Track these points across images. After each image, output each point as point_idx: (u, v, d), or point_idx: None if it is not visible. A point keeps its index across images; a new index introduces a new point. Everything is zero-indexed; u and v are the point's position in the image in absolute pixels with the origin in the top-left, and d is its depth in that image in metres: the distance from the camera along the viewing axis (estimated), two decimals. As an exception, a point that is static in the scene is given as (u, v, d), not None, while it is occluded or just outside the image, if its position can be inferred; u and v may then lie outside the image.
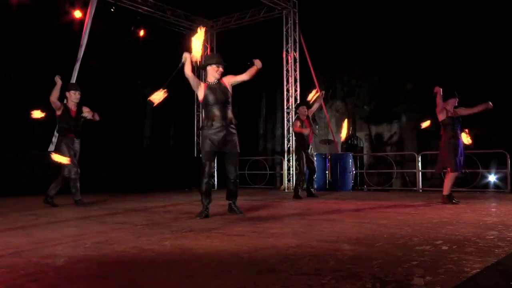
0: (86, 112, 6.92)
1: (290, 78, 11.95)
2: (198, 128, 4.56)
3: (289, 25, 12.01)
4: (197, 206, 7.02)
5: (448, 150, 6.52)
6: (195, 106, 13.89)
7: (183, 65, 5.12)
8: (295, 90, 11.96)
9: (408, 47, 12.28)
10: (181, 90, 13.35)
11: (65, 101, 6.98)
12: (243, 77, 5.27)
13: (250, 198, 8.44)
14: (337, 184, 11.33)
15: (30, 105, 9.72)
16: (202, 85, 5.18)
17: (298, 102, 9.50)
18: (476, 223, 4.36)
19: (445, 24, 11.51)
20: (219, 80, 5.22)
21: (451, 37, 11.53)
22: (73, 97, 6.94)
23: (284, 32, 12.05)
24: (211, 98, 5.10)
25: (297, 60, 11.99)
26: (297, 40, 12.03)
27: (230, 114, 5.17)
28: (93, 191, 10.01)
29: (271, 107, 14.05)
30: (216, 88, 5.15)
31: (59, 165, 6.84)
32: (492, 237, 3.44)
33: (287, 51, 12.03)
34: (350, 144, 13.46)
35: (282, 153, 12.75)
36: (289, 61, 11.98)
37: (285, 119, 12.01)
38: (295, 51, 12.00)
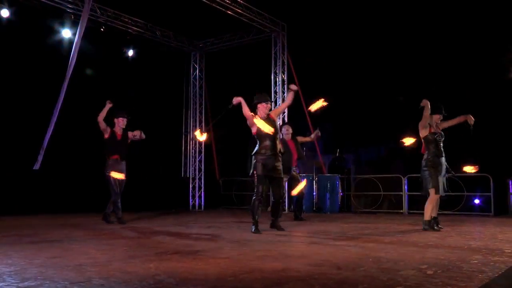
0: (138, 134, 7.61)
1: (278, 99, 12.04)
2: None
3: (277, 47, 12.17)
4: (184, 227, 6.96)
5: (430, 170, 6.11)
6: (183, 127, 13.90)
7: (232, 107, 6.08)
8: (283, 112, 12.03)
9: (396, 70, 12.47)
10: (169, 112, 13.39)
11: (113, 127, 7.51)
12: (284, 105, 6.46)
13: (238, 220, 8.39)
14: (324, 206, 11.34)
15: (19, 123, 9.72)
16: (255, 120, 5.90)
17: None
18: (461, 247, 4.38)
19: (431, 49, 11.73)
20: (268, 114, 6.07)
21: (438, 61, 11.72)
22: (121, 123, 7.56)
23: (273, 54, 12.20)
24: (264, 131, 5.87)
25: (285, 82, 12.11)
26: (286, 62, 12.18)
27: (278, 144, 6.01)
28: (82, 211, 9.90)
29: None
30: (267, 122, 5.93)
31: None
32: (476, 261, 3.46)
33: (275, 73, 12.16)
34: (337, 166, 13.51)
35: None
36: (277, 83, 12.09)
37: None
38: (283, 73, 12.13)
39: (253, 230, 5.81)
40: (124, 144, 7.58)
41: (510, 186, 10.37)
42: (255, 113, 6.05)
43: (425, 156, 6.25)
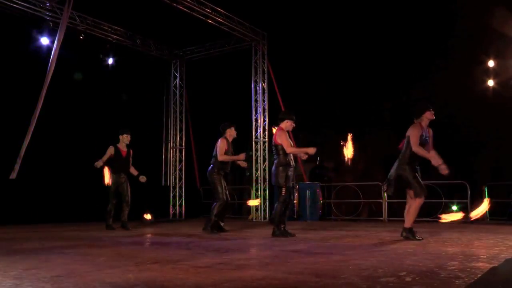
0: (142, 179, 8.30)
1: (258, 108, 12.09)
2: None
3: (258, 56, 12.23)
4: (164, 236, 6.90)
5: (410, 174, 5.66)
6: (164, 135, 13.83)
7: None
8: (264, 120, 12.09)
9: (376, 77, 12.65)
10: (150, 120, 13.30)
11: (118, 143, 8.15)
12: (286, 149, 6.49)
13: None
14: (304, 214, 11.37)
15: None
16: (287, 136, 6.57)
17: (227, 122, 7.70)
18: (439, 253, 4.45)
19: (413, 55, 11.92)
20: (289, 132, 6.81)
21: (420, 69, 11.91)
22: (126, 139, 8.19)
23: (253, 63, 12.25)
24: (292, 145, 6.53)
25: (266, 91, 12.17)
26: (266, 71, 12.24)
27: None
28: (60, 221, 9.74)
29: (239, 136, 14.18)
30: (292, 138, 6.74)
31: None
32: (453, 267, 3.51)
33: (255, 81, 12.21)
34: (318, 174, 13.58)
35: (250, 183, 12.76)
36: (258, 92, 12.14)
37: (253, 149, 12.08)
38: (263, 81, 12.19)
39: (287, 233, 6.44)
40: (127, 161, 8.24)
41: (487, 193, 10.58)
42: (279, 128, 6.60)
43: (406, 154, 5.74)
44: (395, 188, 5.89)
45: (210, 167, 7.38)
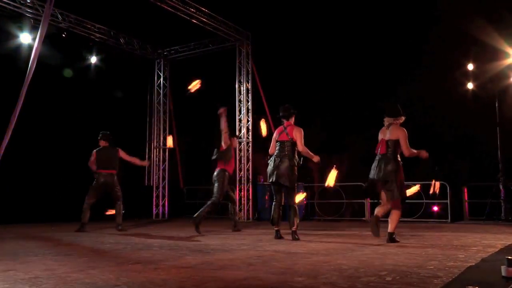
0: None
1: (242, 108, 12.09)
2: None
3: (242, 56, 12.23)
4: (146, 236, 6.85)
5: (402, 178, 5.51)
6: (147, 134, 13.73)
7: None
8: (248, 120, 12.10)
9: (359, 79, 12.76)
10: (133, 120, 13.20)
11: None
12: (299, 146, 6.20)
13: (202, 229, 8.31)
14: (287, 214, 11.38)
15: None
16: None
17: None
18: (419, 253, 4.51)
19: (397, 57, 12.05)
20: None
21: (403, 71, 12.04)
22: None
23: (237, 63, 12.25)
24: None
25: (250, 91, 12.18)
26: (250, 71, 12.25)
27: None
28: (41, 221, 9.61)
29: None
30: None
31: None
32: (432, 267, 3.57)
33: (240, 81, 12.21)
34: (301, 175, 13.65)
35: (233, 182, 12.75)
36: (242, 92, 12.14)
37: (237, 149, 12.07)
38: (247, 81, 12.19)
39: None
40: None
41: (466, 194, 10.77)
42: (289, 124, 6.32)
43: (394, 157, 5.52)
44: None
45: (221, 168, 7.57)
